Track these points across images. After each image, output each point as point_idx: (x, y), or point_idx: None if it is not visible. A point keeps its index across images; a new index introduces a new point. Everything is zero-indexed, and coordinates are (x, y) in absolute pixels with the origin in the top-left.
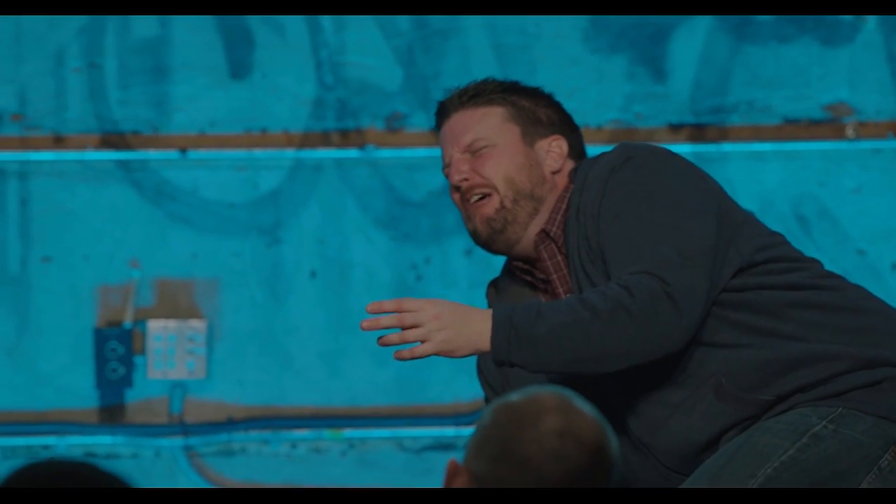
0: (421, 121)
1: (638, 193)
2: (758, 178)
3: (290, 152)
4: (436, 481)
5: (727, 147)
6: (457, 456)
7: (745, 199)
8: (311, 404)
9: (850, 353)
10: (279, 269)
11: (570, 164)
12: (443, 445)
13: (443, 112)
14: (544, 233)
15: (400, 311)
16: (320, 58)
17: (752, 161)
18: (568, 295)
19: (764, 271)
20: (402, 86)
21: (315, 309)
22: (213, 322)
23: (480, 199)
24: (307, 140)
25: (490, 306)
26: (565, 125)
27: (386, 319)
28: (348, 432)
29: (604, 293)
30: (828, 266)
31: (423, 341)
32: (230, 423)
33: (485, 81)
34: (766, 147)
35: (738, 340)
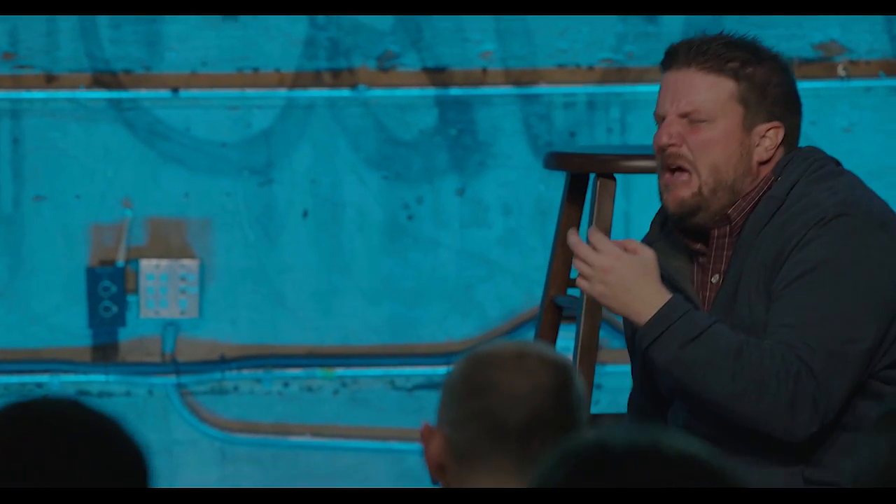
0: (413, 60)
1: (830, 265)
2: None
3: (282, 92)
4: (426, 419)
5: None
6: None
7: None
8: (303, 343)
9: None
10: (271, 209)
11: (779, 153)
12: (434, 384)
13: (672, 58)
14: (727, 217)
15: (589, 241)
16: None
17: None
18: (715, 277)
19: None
20: (394, 25)
21: (307, 248)
22: (206, 261)
23: (678, 170)
24: (299, 80)
25: (648, 239)
26: (788, 109)
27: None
28: (340, 371)
29: (764, 361)
30: None
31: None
32: (223, 362)
33: (727, 43)
34: None
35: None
